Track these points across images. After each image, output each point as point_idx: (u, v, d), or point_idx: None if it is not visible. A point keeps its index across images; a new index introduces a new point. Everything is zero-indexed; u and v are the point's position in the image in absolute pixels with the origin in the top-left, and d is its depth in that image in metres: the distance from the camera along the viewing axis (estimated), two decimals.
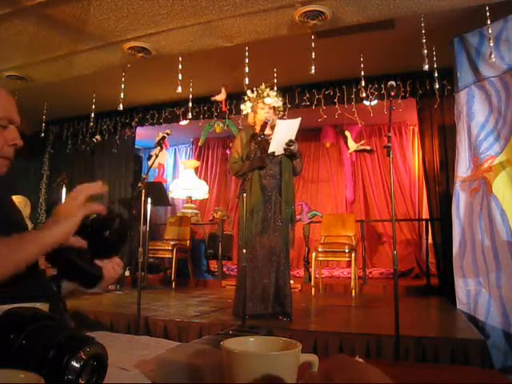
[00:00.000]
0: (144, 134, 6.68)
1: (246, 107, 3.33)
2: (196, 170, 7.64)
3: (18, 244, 0.73)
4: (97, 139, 5.02)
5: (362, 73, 4.19)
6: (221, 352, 0.53)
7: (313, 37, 3.83)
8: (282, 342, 0.56)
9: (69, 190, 5.14)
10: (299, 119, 3.00)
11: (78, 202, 0.80)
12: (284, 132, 3.01)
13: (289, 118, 3.26)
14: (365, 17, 3.60)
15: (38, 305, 0.58)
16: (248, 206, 2.93)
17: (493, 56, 3.23)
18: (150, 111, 5.86)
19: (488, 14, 3.29)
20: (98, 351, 0.52)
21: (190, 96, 4.81)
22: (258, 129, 3.20)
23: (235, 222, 5.99)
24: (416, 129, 6.28)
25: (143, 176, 3.26)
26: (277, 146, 3.02)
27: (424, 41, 3.57)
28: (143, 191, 3.06)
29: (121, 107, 4.59)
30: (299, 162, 3.22)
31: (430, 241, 5.00)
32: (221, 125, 5.80)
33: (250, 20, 3.66)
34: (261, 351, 0.55)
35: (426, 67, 3.56)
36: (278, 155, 3.10)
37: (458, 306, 3.45)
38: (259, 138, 3.06)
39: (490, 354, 2.45)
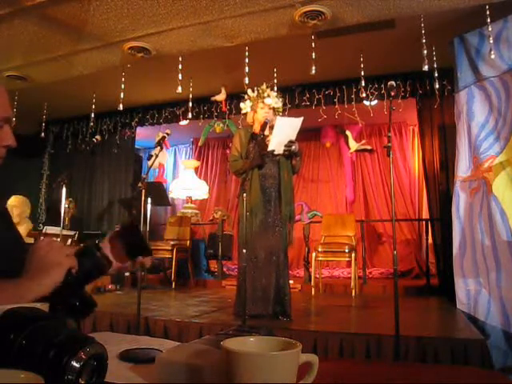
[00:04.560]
0: (144, 134, 6.68)
1: (245, 106, 3.33)
2: (196, 169, 7.64)
3: (10, 294, 0.67)
4: (97, 139, 5.02)
5: (362, 73, 4.19)
6: (221, 352, 0.53)
7: (313, 37, 3.83)
8: (281, 342, 0.56)
9: (69, 190, 5.14)
10: (301, 118, 2.99)
11: (68, 251, 0.76)
12: (285, 130, 3.00)
13: (288, 117, 3.25)
14: (365, 17, 3.60)
15: (38, 305, 0.58)
16: (248, 205, 2.93)
17: (492, 52, 3.23)
18: (149, 111, 5.86)
19: (488, 13, 3.30)
20: (98, 351, 0.52)
21: (190, 96, 4.81)
22: (256, 128, 3.20)
23: (235, 222, 5.99)
24: (416, 129, 6.27)
25: (143, 176, 3.26)
26: (277, 145, 3.01)
27: (424, 41, 3.57)
28: (143, 191, 3.06)
29: (121, 107, 4.60)
30: (299, 161, 3.22)
31: (430, 241, 4.99)
32: (221, 125, 5.80)
33: (250, 20, 3.66)
34: (261, 351, 0.55)
35: (426, 67, 3.56)
36: (278, 154, 3.09)
37: (457, 306, 3.45)
38: (259, 138, 3.06)
39: (490, 353, 2.45)
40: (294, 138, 3.04)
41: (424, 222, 5.53)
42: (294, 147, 3.05)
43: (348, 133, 6.58)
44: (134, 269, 0.89)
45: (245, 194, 2.78)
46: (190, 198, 7.09)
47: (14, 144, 0.87)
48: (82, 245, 0.82)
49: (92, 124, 5.70)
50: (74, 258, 0.76)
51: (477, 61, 3.48)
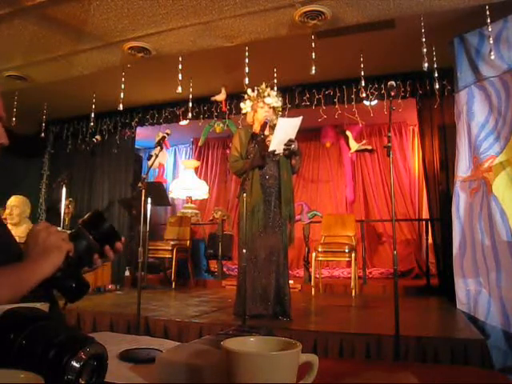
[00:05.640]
0: (144, 134, 6.68)
1: (245, 106, 3.33)
2: (196, 169, 7.64)
3: (16, 278, 0.70)
4: (97, 139, 5.02)
5: (362, 73, 4.19)
6: (221, 352, 0.53)
7: (313, 37, 3.83)
8: (282, 342, 0.56)
9: (69, 190, 5.14)
10: (301, 118, 3.00)
11: (64, 236, 0.79)
12: (285, 130, 3.01)
13: (289, 117, 3.26)
14: (365, 17, 3.60)
15: (38, 305, 0.58)
16: (248, 205, 2.93)
17: (492, 53, 3.23)
18: (149, 111, 5.85)
19: (488, 13, 3.29)
20: (98, 351, 0.52)
21: (190, 96, 4.80)
22: (256, 128, 3.20)
23: (235, 222, 5.99)
24: (416, 129, 6.28)
25: (143, 176, 3.26)
26: (277, 145, 3.02)
27: (424, 41, 3.57)
28: (143, 191, 3.06)
29: (121, 107, 4.59)
30: (298, 160, 3.22)
31: (430, 241, 4.99)
32: (221, 125, 5.80)
33: (250, 20, 3.65)
34: (261, 351, 0.55)
35: (426, 65, 3.56)
36: (278, 154, 3.10)
37: (457, 306, 3.45)
38: (259, 138, 3.06)
39: (490, 354, 2.45)
40: (293, 137, 3.05)
41: (424, 222, 5.53)
42: (293, 146, 3.06)
43: (348, 133, 6.58)
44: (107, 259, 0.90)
45: (245, 194, 2.78)
46: (190, 197, 7.09)
47: (7, 142, 0.87)
48: (73, 230, 0.86)
49: (92, 124, 5.69)
50: (70, 242, 0.80)
51: (477, 61, 3.48)
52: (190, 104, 4.90)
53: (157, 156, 3.17)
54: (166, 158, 7.98)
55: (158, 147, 3.15)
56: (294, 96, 5.14)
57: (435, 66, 3.85)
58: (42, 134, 5.75)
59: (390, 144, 2.55)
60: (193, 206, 7.05)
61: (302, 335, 2.65)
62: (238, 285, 3.18)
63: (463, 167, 3.54)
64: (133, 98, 5.18)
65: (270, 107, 3.23)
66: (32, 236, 0.78)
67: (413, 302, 4.11)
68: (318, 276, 4.84)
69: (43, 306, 0.59)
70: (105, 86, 4.95)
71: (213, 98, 5.15)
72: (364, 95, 4.60)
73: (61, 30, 3.81)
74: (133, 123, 5.99)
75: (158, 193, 4.86)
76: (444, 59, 3.81)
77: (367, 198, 7.13)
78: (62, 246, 0.77)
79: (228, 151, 6.68)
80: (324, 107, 5.05)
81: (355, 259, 4.59)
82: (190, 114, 5.12)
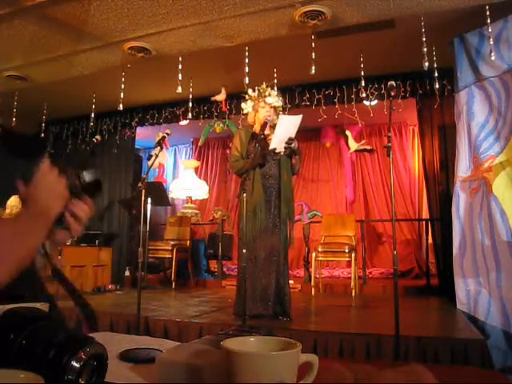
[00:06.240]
0: (144, 134, 6.68)
1: (246, 106, 3.33)
2: (196, 169, 7.64)
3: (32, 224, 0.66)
4: (97, 139, 5.02)
5: (362, 73, 4.19)
6: (221, 352, 0.53)
7: (313, 37, 3.83)
8: (282, 342, 0.56)
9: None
10: (300, 116, 3.00)
11: (61, 193, 0.72)
12: (286, 128, 3.01)
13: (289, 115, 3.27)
14: (365, 17, 3.60)
15: (38, 305, 0.58)
16: (249, 205, 2.93)
17: (493, 54, 3.23)
18: (149, 111, 5.85)
19: (488, 13, 3.29)
20: (98, 351, 0.52)
21: (190, 96, 4.80)
22: (257, 128, 3.20)
23: (235, 222, 5.98)
24: (416, 129, 6.28)
25: (143, 176, 3.26)
26: (278, 143, 3.02)
27: (424, 40, 3.57)
28: (143, 191, 3.06)
29: (121, 107, 4.59)
30: (298, 160, 3.22)
31: (430, 241, 4.99)
32: (221, 125, 5.80)
33: (250, 20, 3.66)
34: (261, 351, 0.55)
35: (426, 64, 3.55)
36: (279, 152, 3.09)
37: (457, 306, 3.45)
38: (259, 137, 3.06)
39: (490, 354, 2.45)
40: (293, 135, 3.05)
41: (424, 222, 5.53)
42: (293, 144, 3.06)
43: (348, 133, 6.57)
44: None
45: (245, 194, 2.77)
46: (190, 197, 7.09)
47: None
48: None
49: (92, 124, 5.69)
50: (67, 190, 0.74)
51: (477, 61, 3.48)
52: (190, 104, 4.90)
53: (157, 156, 3.17)
54: (166, 157, 7.97)
55: (158, 147, 3.15)
56: (294, 96, 5.14)
57: (435, 65, 3.85)
58: (42, 134, 5.75)
59: (390, 144, 2.55)
60: (193, 206, 7.05)
61: (302, 335, 2.65)
62: (238, 285, 3.18)
63: (463, 167, 3.54)
64: (133, 98, 5.18)
65: (271, 107, 3.23)
66: (41, 178, 0.71)
67: (413, 302, 4.11)
68: (317, 276, 4.84)
69: (43, 306, 0.59)
70: (105, 86, 4.96)
71: (213, 98, 5.15)
72: (364, 95, 4.60)
73: (61, 30, 3.81)
74: (133, 123, 5.99)
75: (158, 193, 4.86)
76: (444, 59, 3.81)
77: (367, 198, 7.13)
78: (64, 194, 0.72)
79: (228, 151, 6.68)
80: (324, 107, 5.05)
81: (355, 259, 4.59)
82: (189, 114, 5.12)
